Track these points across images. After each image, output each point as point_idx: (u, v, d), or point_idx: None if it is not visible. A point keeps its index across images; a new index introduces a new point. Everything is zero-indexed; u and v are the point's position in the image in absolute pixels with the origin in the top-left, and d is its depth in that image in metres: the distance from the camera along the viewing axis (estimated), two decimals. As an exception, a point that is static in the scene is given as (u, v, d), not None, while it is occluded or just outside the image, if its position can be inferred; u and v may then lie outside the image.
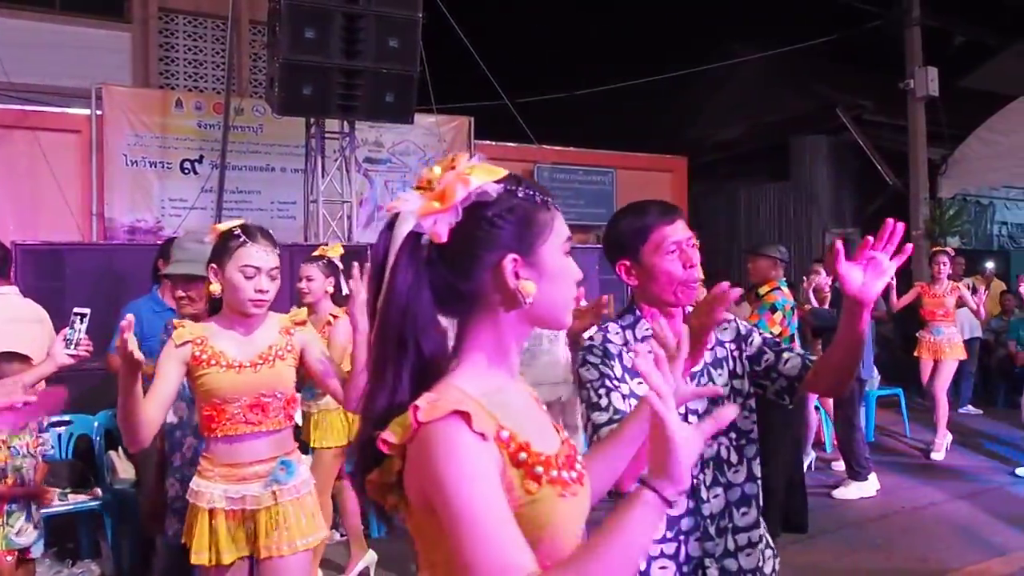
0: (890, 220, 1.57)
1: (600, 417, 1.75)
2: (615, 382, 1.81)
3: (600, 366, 1.81)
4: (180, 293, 2.88)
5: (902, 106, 10.69)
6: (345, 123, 7.51)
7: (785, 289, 5.28)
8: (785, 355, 1.96)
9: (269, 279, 2.37)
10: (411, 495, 1.07)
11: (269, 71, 7.14)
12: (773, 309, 5.01)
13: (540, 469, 1.10)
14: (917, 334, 7.30)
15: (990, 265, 9.67)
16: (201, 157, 8.44)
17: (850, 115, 11.23)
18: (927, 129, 10.55)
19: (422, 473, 1.03)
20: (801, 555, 4.81)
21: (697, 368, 1.89)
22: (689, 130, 13.49)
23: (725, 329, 2.01)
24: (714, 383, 1.90)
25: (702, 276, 1.88)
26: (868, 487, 6.00)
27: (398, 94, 7.02)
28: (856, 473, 6.01)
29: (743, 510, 1.90)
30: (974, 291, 8.63)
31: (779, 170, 12.28)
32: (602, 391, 1.77)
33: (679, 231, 1.84)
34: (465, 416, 1.03)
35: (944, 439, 7.09)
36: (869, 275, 1.59)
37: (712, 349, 1.95)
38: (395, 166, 9.36)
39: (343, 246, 4.34)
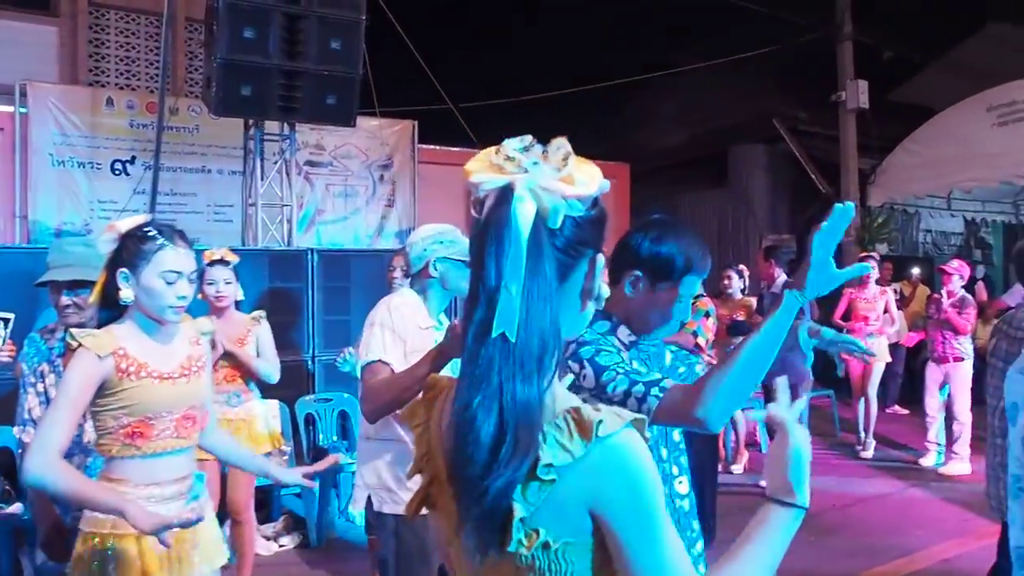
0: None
1: (652, 375, 1.74)
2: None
3: (617, 353, 1.80)
4: (65, 300, 2.64)
5: (835, 118, 11.03)
6: (285, 125, 7.40)
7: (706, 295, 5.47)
8: (699, 369, 2.06)
9: (189, 283, 2.21)
10: (549, 524, 0.98)
11: (206, 70, 6.99)
12: (707, 315, 5.17)
13: None
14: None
15: (916, 271, 10.01)
16: (133, 158, 8.20)
17: (786, 125, 11.54)
18: (858, 140, 10.89)
19: (603, 491, 0.98)
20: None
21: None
22: (632, 137, 13.65)
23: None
24: None
25: None
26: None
27: (340, 96, 6.94)
28: None
29: (694, 522, 1.95)
30: (901, 296, 8.97)
31: (719, 178, 12.53)
32: (628, 367, 1.76)
33: (696, 286, 1.89)
34: (640, 425, 1.01)
35: (871, 438, 7.36)
36: None
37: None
38: (337, 169, 9.25)
39: (284, 250, 4.29)
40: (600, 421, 0.97)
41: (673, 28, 13.19)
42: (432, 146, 9.87)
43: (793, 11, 10.94)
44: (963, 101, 10.08)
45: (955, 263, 6.98)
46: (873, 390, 7.36)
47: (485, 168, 1.05)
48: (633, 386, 1.69)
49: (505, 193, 1.02)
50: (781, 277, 6.60)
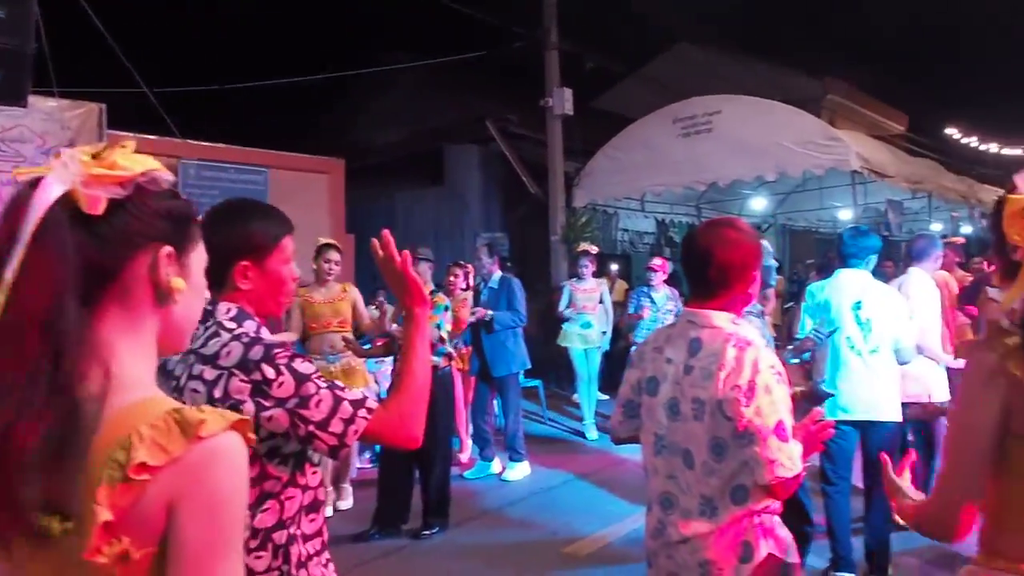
0: None
1: (355, 392, 1.71)
2: None
3: (308, 361, 1.74)
4: None
5: (543, 122, 11.62)
6: (-66, 101, 6.35)
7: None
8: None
9: None
10: (133, 532, 0.91)
11: None
12: (446, 309, 5.25)
13: None
14: (564, 327, 7.99)
15: (614, 267, 10.85)
16: None
17: (497, 127, 11.98)
18: (564, 144, 11.56)
19: (187, 490, 0.92)
20: (446, 543, 4.98)
21: None
22: (348, 133, 13.48)
23: None
24: None
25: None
26: (527, 467, 6.52)
27: (8, 73, 6.10)
28: (520, 456, 6.48)
29: None
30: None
31: (435, 176, 12.74)
32: (327, 379, 1.71)
33: (292, 243, 1.91)
34: (243, 427, 0.98)
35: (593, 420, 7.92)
36: None
37: None
38: (6, 154, 8.07)
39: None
40: (203, 420, 0.94)
41: (388, 26, 13.24)
42: (124, 132, 8.98)
43: (505, 18, 11.41)
44: (653, 113, 11.07)
45: (658, 261, 7.67)
46: (596, 375, 7.97)
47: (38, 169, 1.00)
48: (339, 404, 1.65)
49: (33, 183, 0.97)
50: (497, 272, 6.81)
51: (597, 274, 10.33)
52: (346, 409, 1.65)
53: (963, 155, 19.30)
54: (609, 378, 10.04)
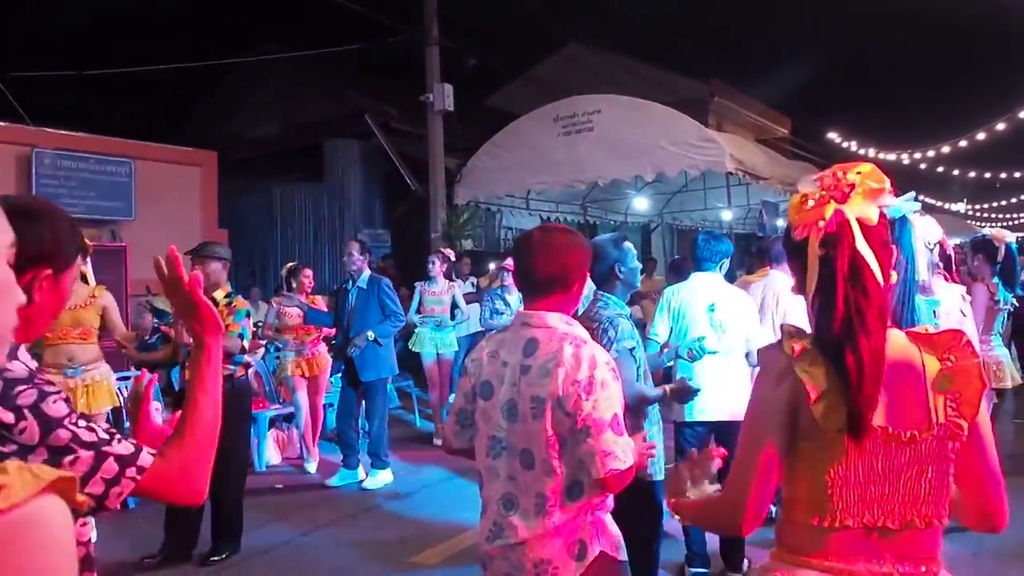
0: None
1: (122, 444, 1.44)
2: None
3: (65, 400, 1.47)
4: None
5: (424, 117, 11.50)
6: None
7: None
8: None
9: None
10: None
11: None
12: (248, 314, 4.95)
13: None
14: (416, 330, 7.75)
15: (492, 266, 10.81)
16: None
17: (377, 122, 11.79)
18: (445, 140, 11.47)
19: None
20: (290, 552, 4.85)
21: None
22: (222, 125, 13.04)
23: None
24: None
25: None
26: (389, 474, 6.39)
27: None
28: (383, 463, 6.36)
29: None
30: (478, 289, 9.61)
31: (313, 171, 12.47)
32: (86, 423, 1.44)
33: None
34: (66, 487, 0.77)
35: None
36: None
37: None
38: None
39: None
40: (1, 487, 0.73)
41: (263, 16, 12.88)
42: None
43: (385, 12, 11.24)
44: (535, 111, 11.06)
45: (510, 260, 7.56)
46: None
47: None
48: (102, 461, 1.38)
49: None
50: (367, 271, 6.56)
51: (476, 273, 10.32)
52: (110, 467, 1.39)
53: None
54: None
